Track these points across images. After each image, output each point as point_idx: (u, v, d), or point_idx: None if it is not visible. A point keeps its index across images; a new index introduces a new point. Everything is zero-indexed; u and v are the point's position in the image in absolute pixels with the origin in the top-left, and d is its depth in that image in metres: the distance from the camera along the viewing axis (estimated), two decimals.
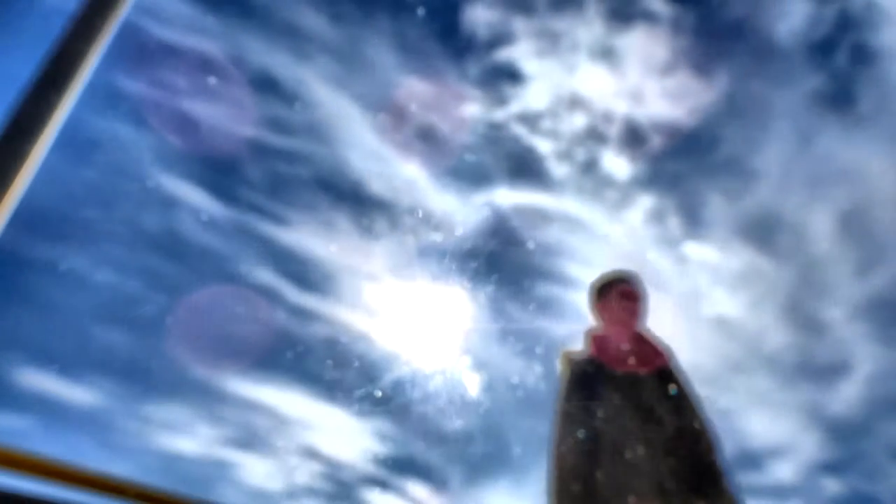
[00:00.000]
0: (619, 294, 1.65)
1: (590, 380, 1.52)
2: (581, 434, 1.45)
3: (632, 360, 1.55)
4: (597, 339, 1.62)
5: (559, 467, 1.42)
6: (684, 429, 1.45)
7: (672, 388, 1.49)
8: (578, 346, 1.62)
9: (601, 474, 1.39)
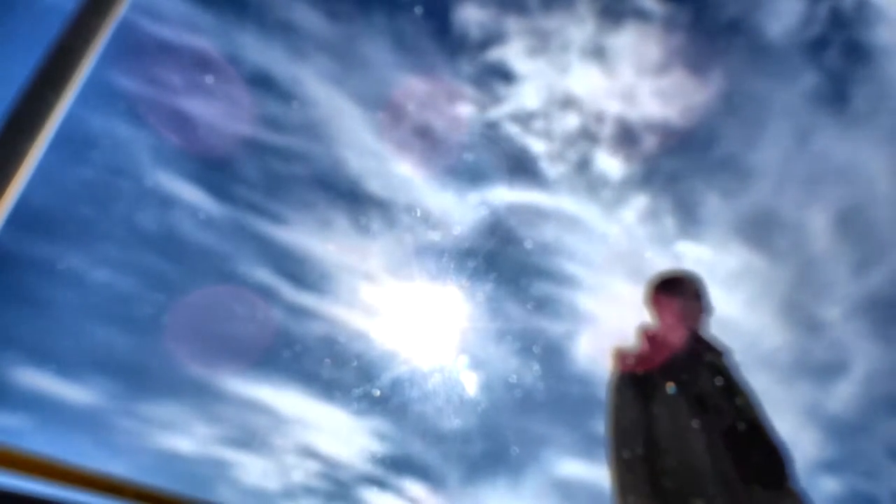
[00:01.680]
0: (683, 293, 1.63)
1: (641, 376, 1.52)
2: (639, 433, 1.46)
3: (685, 357, 1.55)
4: (650, 337, 1.60)
5: (621, 472, 1.42)
6: (741, 422, 1.44)
7: (721, 382, 1.49)
8: (628, 342, 1.61)
9: (663, 469, 1.40)
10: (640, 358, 1.53)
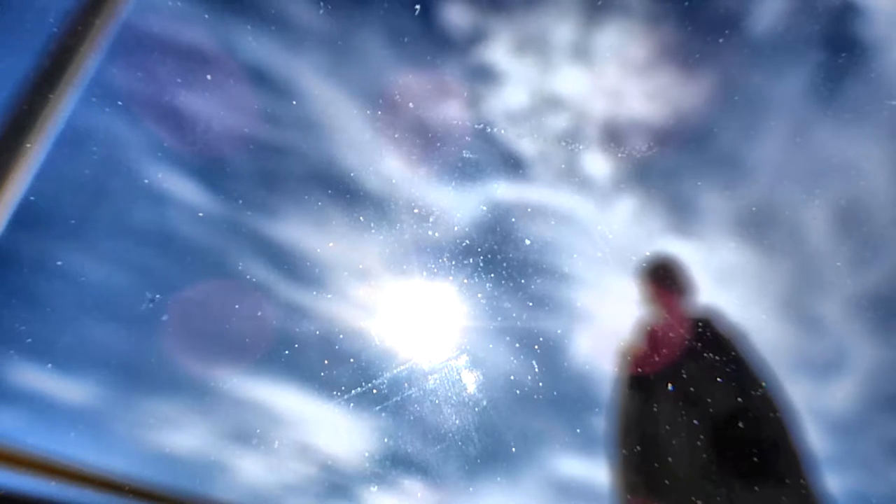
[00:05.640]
0: (680, 281, 1.61)
1: (643, 376, 1.52)
2: (638, 431, 1.46)
3: (687, 352, 1.53)
4: (650, 330, 1.58)
5: (620, 470, 1.43)
6: (737, 411, 1.43)
7: (724, 374, 1.48)
8: (629, 338, 1.59)
9: (661, 468, 1.40)
10: (645, 359, 1.52)
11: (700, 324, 1.56)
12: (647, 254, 1.64)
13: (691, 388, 1.44)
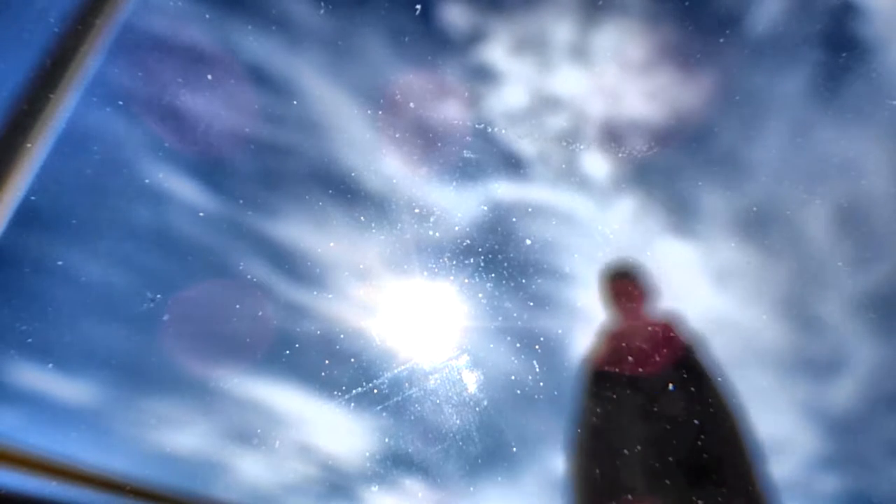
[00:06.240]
0: (616, 287, 1.61)
1: (601, 381, 1.52)
2: (588, 437, 1.47)
3: (646, 355, 1.54)
4: (610, 337, 1.59)
5: (577, 468, 1.44)
6: (694, 420, 1.44)
7: (681, 381, 1.49)
8: (591, 344, 1.60)
9: (601, 474, 1.41)
10: (608, 364, 1.52)
11: (662, 330, 1.56)
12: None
13: (653, 394, 1.44)
